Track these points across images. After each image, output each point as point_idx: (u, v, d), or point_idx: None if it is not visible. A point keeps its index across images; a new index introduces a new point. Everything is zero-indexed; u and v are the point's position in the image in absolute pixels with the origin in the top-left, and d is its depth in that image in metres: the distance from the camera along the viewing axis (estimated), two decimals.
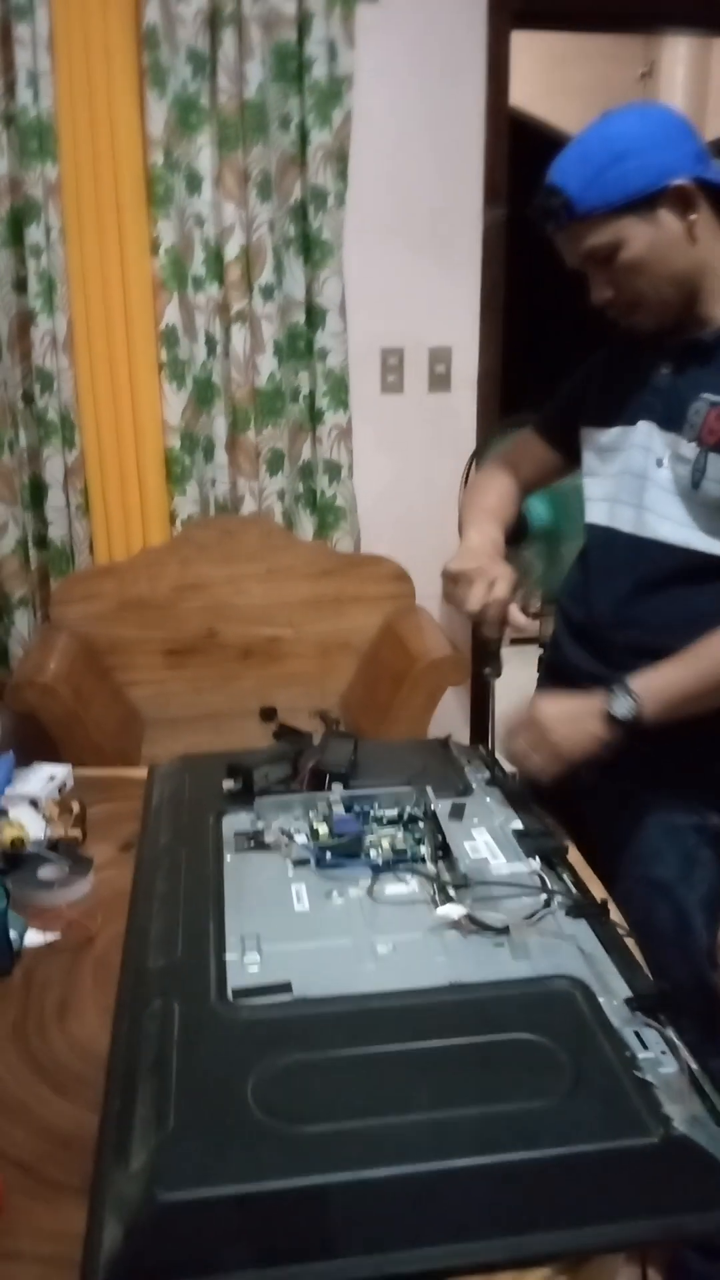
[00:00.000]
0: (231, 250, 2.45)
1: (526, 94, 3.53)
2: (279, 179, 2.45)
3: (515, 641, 4.11)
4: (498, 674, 1.29)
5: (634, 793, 1.30)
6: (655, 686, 1.17)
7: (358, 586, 2.65)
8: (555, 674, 1.41)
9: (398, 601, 2.64)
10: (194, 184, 2.43)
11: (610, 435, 1.31)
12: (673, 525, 1.22)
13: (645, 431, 1.26)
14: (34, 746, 2.32)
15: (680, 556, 1.22)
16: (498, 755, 1.26)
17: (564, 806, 1.26)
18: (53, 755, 2.20)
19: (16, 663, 2.48)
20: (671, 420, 1.22)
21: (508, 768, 1.25)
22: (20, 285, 2.43)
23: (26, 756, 1.46)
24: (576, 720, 1.19)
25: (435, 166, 2.54)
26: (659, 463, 1.23)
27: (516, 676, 3.02)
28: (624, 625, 1.27)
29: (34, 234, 2.36)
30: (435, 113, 2.50)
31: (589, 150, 1.15)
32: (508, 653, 3.41)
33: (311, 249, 2.49)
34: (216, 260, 2.47)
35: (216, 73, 2.36)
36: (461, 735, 2.96)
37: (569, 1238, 0.68)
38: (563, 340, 3.91)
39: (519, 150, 2.64)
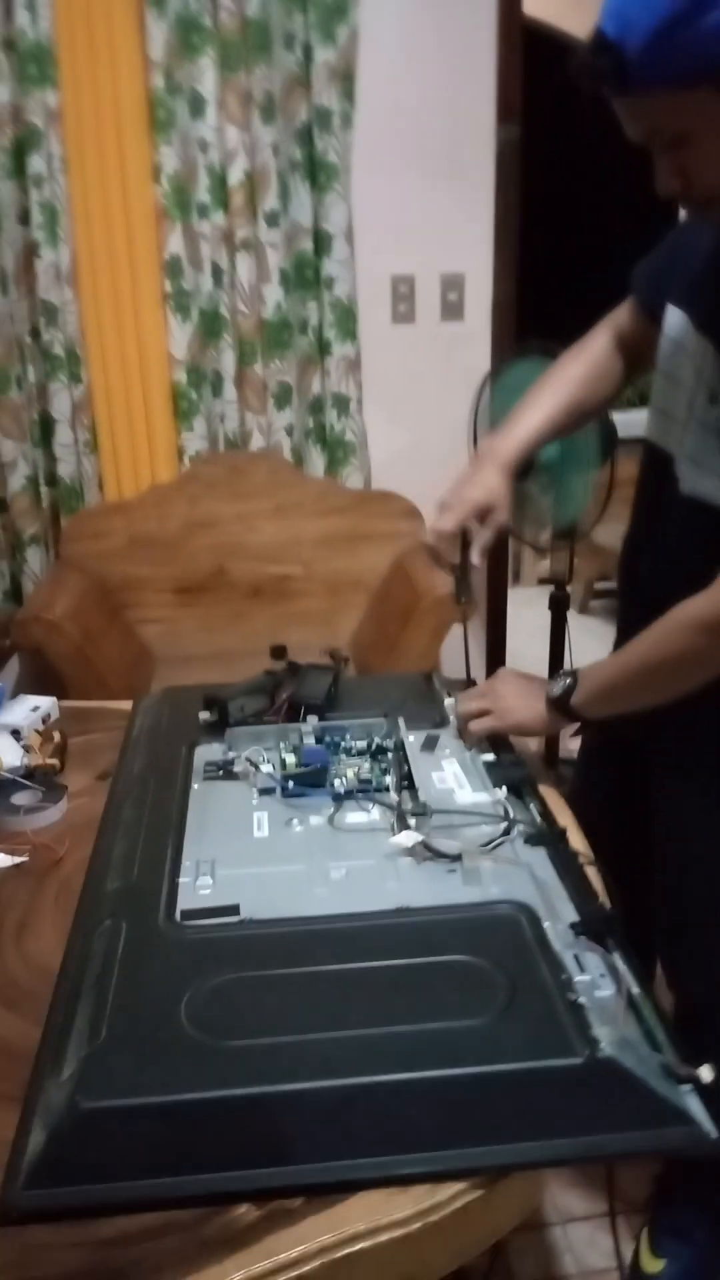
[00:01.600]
0: (235, 175, 2.39)
1: (552, 6, 3.37)
2: (283, 101, 2.38)
3: (541, 581, 4.03)
4: (470, 599, 1.26)
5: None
6: (591, 673, 1.10)
7: (368, 523, 2.62)
8: (624, 636, 1.16)
9: (408, 539, 2.61)
10: (197, 107, 2.37)
11: (675, 324, 1.08)
12: (714, 481, 1.03)
13: (699, 350, 1.03)
14: (47, 683, 2.35)
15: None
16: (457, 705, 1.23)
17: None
18: (64, 692, 2.23)
19: (27, 599, 2.50)
20: None
21: (451, 720, 1.23)
22: (24, 217, 2.39)
23: (41, 693, 1.47)
24: (527, 695, 1.15)
25: (446, 84, 2.44)
26: (713, 398, 1.01)
27: (527, 616, 3.00)
28: (671, 586, 1.02)
29: (36, 163, 2.32)
30: (445, 27, 2.40)
31: None
32: (520, 594, 3.37)
33: (317, 173, 2.42)
34: (220, 187, 2.41)
35: None
36: (477, 675, 2.95)
37: (485, 1154, 0.68)
38: (582, 264, 3.81)
39: (538, 66, 2.53)
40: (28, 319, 2.45)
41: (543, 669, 2.53)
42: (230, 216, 2.43)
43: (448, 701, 1.27)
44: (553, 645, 2.43)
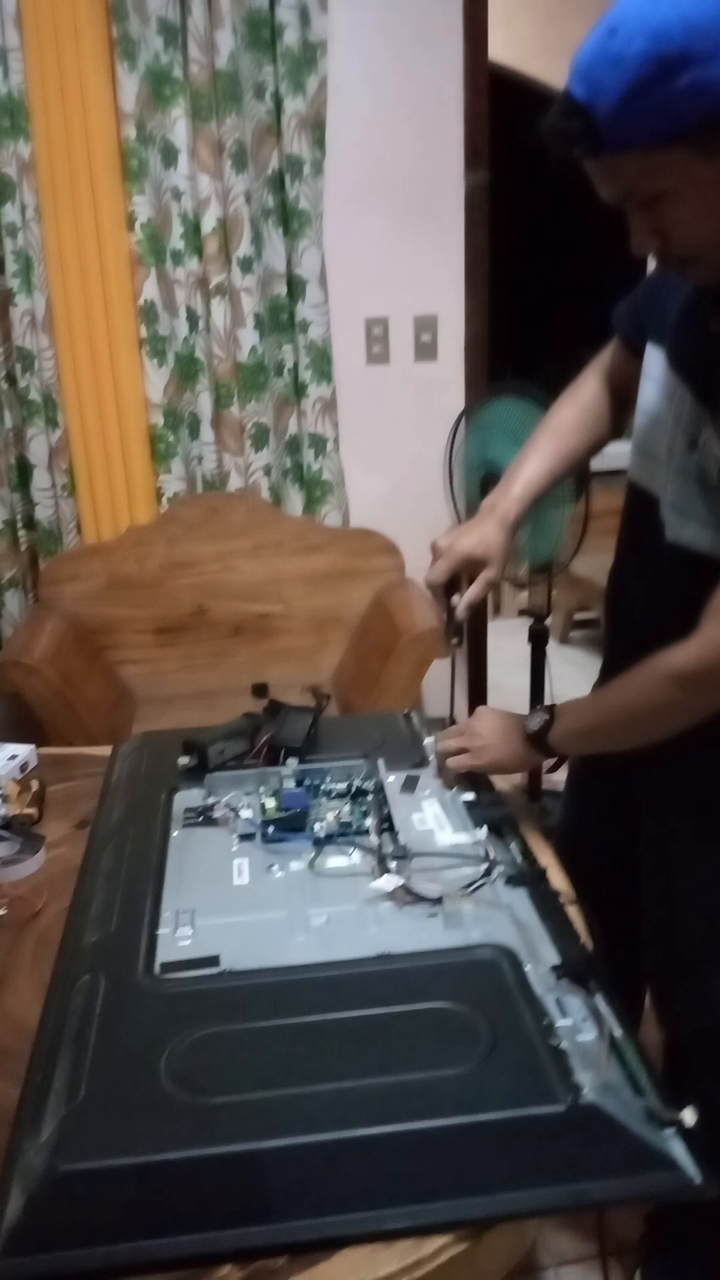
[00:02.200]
0: (209, 223, 2.42)
1: (519, 52, 3.46)
2: (255, 149, 2.42)
3: (521, 613, 4.04)
4: (458, 644, 1.27)
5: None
6: (569, 711, 1.09)
7: (347, 561, 2.64)
8: (608, 677, 1.14)
9: (387, 575, 2.63)
10: (169, 157, 2.40)
11: (655, 362, 1.08)
12: (698, 528, 1.01)
13: (677, 393, 1.03)
14: (26, 727, 2.34)
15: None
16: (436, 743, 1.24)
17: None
18: (44, 736, 2.22)
19: (5, 643, 2.50)
20: (710, 393, 0.97)
21: (431, 760, 1.24)
22: None
23: (20, 738, 1.46)
24: (504, 733, 1.14)
25: (415, 131, 2.49)
26: (692, 444, 0.99)
27: (509, 648, 3.02)
28: (656, 628, 1.01)
29: (9, 213, 2.34)
30: (413, 75, 2.45)
31: (626, 48, 0.79)
32: (501, 625, 3.39)
33: (290, 219, 2.46)
34: (194, 234, 2.44)
35: (187, 43, 2.32)
36: (460, 711, 2.95)
37: (468, 1205, 0.68)
38: (553, 304, 3.87)
39: (509, 111, 2.59)
40: (3, 365, 2.47)
41: (524, 701, 2.54)
42: (204, 263, 2.46)
43: (427, 741, 1.27)
44: (533, 679, 2.44)
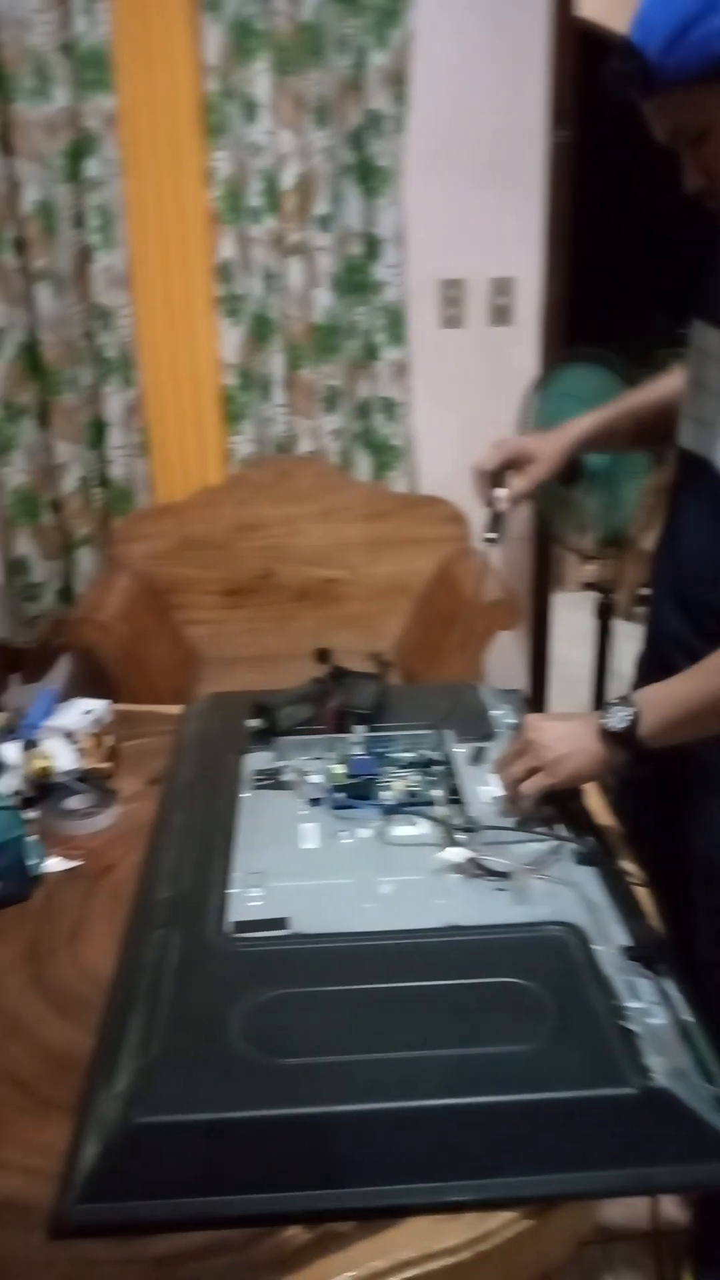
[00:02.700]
0: (287, 180, 2.39)
1: (607, 7, 3.33)
2: (336, 104, 2.38)
3: (585, 585, 4.00)
4: (498, 539, 1.27)
5: None
6: (656, 700, 1.00)
7: (414, 528, 2.62)
8: (652, 643, 1.23)
9: (454, 543, 2.61)
10: (250, 112, 2.38)
11: (701, 334, 1.10)
12: None
13: None
14: (95, 683, 2.38)
15: None
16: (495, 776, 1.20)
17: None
18: (112, 692, 2.26)
19: (78, 600, 2.54)
20: None
21: (498, 733, 1.21)
22: (79, 220, 2.42)
23: (90, 693, 1.49)
24: (577, 738, 1.02)
25: (498, 87, 2.43)
26: None
27: (569, 621, 2.98)
28: (715, 583, 1.06)
29: (92, 167, 2.34)
30: (499, 29, 2.38)
31: None
32: (561, 598, 3.34)
33: (369, 177, 2.42)
34: (272, 191, 2.42)
35: None
36: (520, 683, 2.94)
37: (534, 1183, 0.68)
38: (634, 269, 3.76)
39: (592, 68, 2.51)
40: (82, 322, 2.48)
41: (586, 674, 2.51)
42: (282, 221, 2.43)
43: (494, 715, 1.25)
44: (599, 654, 2.41)
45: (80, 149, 2.35)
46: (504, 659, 2.76)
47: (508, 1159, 0.69)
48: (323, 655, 2.79)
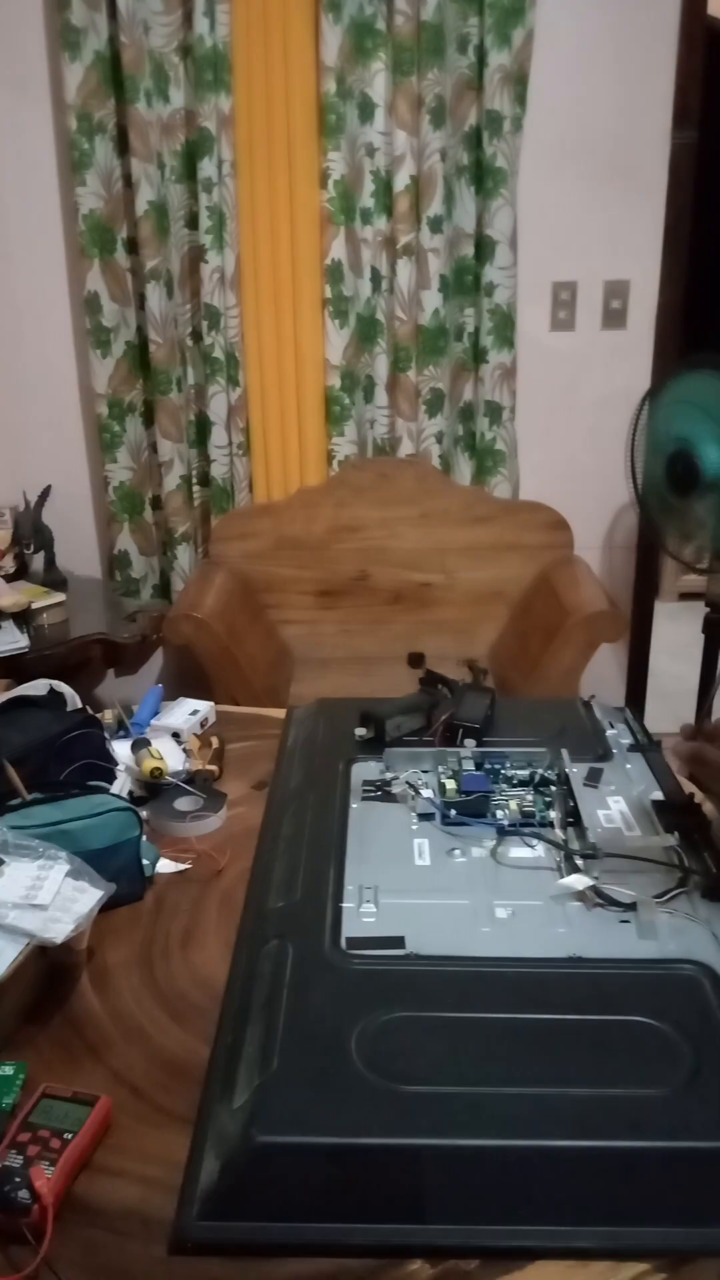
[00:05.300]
0: (401, 180, 2.38)
1: None
2: (454, 104, 2.36)
3: (683, 596, 3.91)
4: None
5: None
6: None
7: (514, 534, 2.58)
8: None
9: (554, 551, 2.56)
10: (366, 112, 2.37)
11: None
12: None
13: None
14: (189, 678, 2.40)
15: None
16: (670, 763, 1.13)
17: None
18: (206, 689, 2.28)
19: (177, 596, 2.56)
20: None
21: (677, 772, 1.15)
22: (192, 221, 2.45)
23: (183, 689, 1.50)
24: None
25: (621, 87, 2.37)
26: None
27: (668, 632, 2.89)
28: None
29: (206, 168, 2.36)
30: (624, 27, 2.33)
31: None
32: (670, 608, 3.24)
33: (484, 178, 2.39)
34: (385, 192, 2.41)
35: None
36: (616, 696, 2.87)
37: (671, 1235, 0.65)
38: None
39: (716, 69, 2.44)
40: (190, 322, 2.51)
41: (683, 688, 2.44)
42: (393, 222, 2.42)
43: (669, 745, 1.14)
44: (704, 670, 2.33)
45: (195, 149, 2.37)
46: (598, 670, 2.70)
47: (641, 1208, 0.66)
48: (416, 659, 2.77)
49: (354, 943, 0.88)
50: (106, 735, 1.23)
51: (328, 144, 2.35)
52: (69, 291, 2.52)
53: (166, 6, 2.28)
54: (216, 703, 1.45)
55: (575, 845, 1.01)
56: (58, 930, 0.85)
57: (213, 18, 2.27)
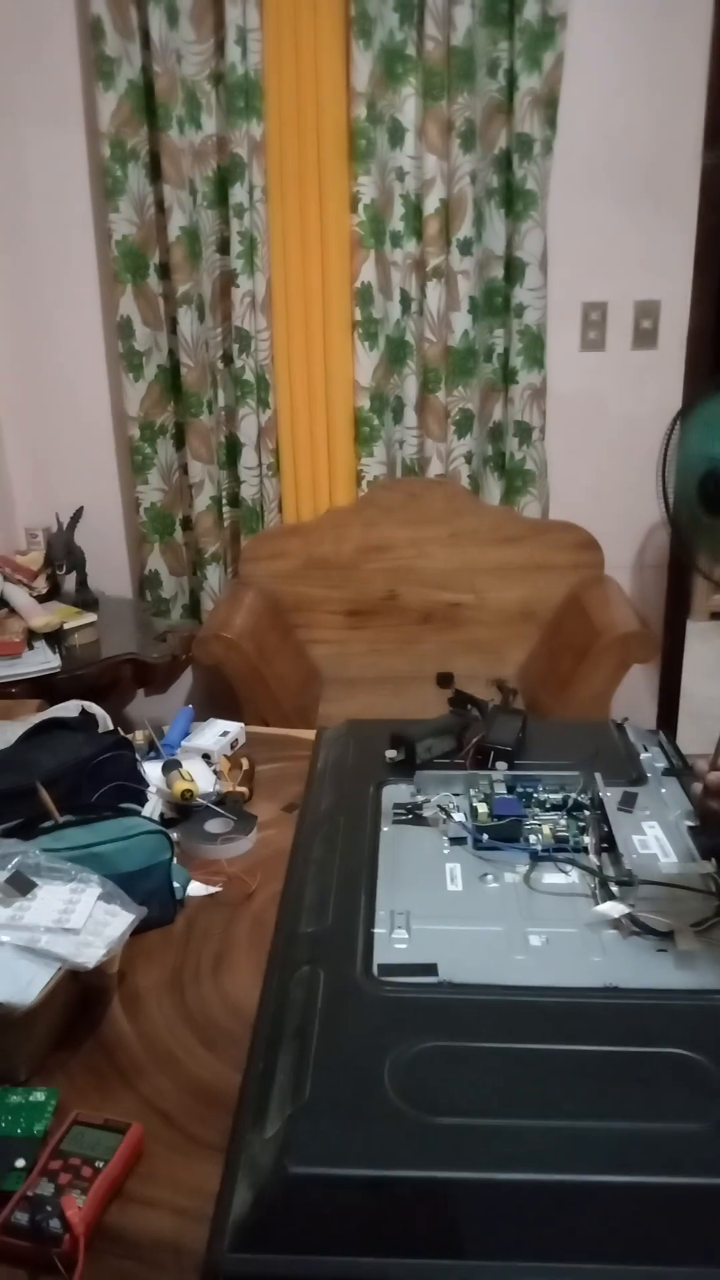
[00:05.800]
0: (431, 204, 2.39)
1: None
2: (484, 128, 2.37)
3: (714, 616, 3.87)
4: None
5: None
6: None
7: (544, 554, 2.57)
8: None
9: (585, 571, 2.55)
10: (396, 136, 2.39)
11: None
12: None
13: None
14: (219, 698, 2.41)
15: None
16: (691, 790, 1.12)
17: None
18: (236, 708, 2.28)
19: (207, 616, 2.58)
20: None
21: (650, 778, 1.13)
22: (224, 246, 2.47)
23: (213, 709, 1.51)
24: None
25: (651, 108, 2.38)
26: None
27: (699, 652, 2.86)
28: None
29: (238, 193, 2.39)
30: (655, 50, 2.34)
31: None
32: (701, 628, 3.22)
33: (514, 200, 2.39)
34: (415, 215, 2.42)
35: (424, 19, 2.30)
36: (647, 717, 2.84)
37: (711, 1277, 0.63)
38: None
39: None
40: (221, 345, 2.53)
41: (716, 710, 2.41)
42: (423, 245, 2.43)
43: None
44: None
45: (227, 175, 2.40)
46: (629, 691, 2.67)
47: (682, 1246, 0.64)
48: (445, 679, 2.77)
49: (386, 969, 0.87)
50: (137, 757, 1.23)
51: (358, 168, 2.37)
52: (102, 316, 2.55)
53: (199, 35, 2.32)
54: (246, 722, 1.45)
55: (610, 872, 1.00)
56: (90, 955, 0.85)
57: (244, 45, 2.30)
